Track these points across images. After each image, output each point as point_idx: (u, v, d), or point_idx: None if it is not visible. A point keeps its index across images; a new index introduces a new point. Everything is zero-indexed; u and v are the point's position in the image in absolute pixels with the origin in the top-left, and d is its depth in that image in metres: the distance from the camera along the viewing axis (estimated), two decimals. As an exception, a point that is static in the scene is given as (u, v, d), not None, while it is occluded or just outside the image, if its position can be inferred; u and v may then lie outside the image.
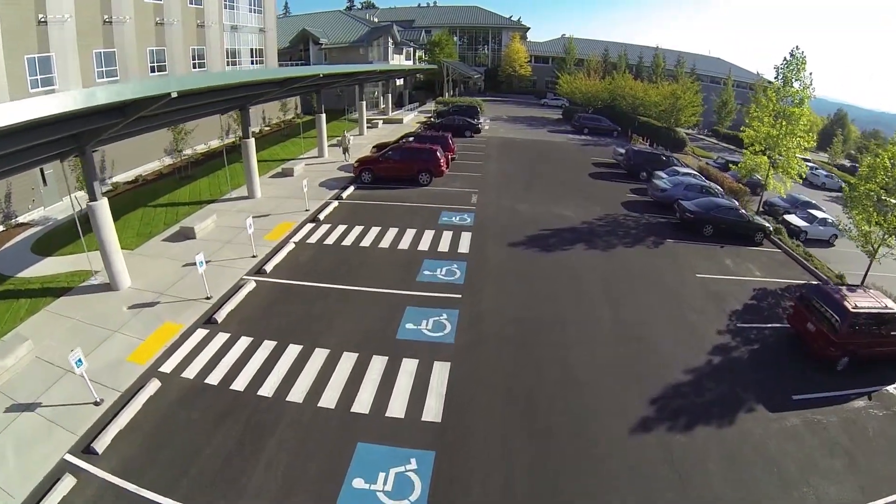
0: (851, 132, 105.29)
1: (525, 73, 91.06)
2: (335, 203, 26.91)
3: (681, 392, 13.86)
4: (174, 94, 14.73)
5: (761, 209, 33.43)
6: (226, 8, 45.39)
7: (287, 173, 32.55)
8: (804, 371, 15.80)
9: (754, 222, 26.44)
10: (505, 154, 41.51)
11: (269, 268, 19.50)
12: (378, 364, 13.97)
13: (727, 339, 16.82)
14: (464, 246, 22.02)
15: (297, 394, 12.86)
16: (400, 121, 56.05)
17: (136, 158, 33.11)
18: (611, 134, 56.43)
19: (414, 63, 77.95)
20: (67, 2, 27.71)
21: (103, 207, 17.13)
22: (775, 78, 32.42)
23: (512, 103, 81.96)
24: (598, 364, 14.79)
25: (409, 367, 13.88)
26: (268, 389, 12.98)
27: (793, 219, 31.15)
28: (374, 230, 23.25)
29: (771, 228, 26.89)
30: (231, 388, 13.06)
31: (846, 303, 16.10)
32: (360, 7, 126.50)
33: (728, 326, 17.65)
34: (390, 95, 58.96)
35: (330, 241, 22.15)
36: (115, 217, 22.52)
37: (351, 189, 29.39)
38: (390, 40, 64.01)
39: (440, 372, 13.77)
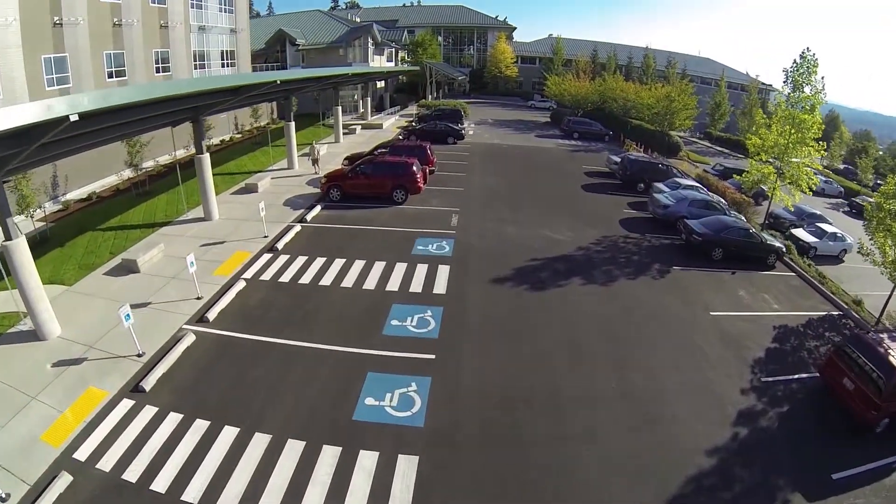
0: (843, 134, 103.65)
1: (511, 75, 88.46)
2: (297, 227, 23.86)
3: (704, 487, 11.16)
4: (73, 118, 11.78)
5: (766, 222, 31.19)
6: (192, 7, 42.26)
7: (251, 189, 29.61)
8: (839, 436, 13.40)
9: (767, 244, 23.95)
10: (490, 163, 38.69)
11: (212, 314, 16.57)
12: (329, 457, 11.05)
13: (752, 402, 14.15)
14: (440, 285, 18.91)
15: (228, 501, 10.10)
16: (380, 126, 53.19)
17: (93, 172, 30.10)
18: (602, 138, 53.92)
19: (396, 64, 75.09)
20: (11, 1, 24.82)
21: (20, 248, 14.22)
22: (784, 82, 30.07)
23: (498, 105, 79.39)
24: (606, 463, 11.68)
25: (366, 462, 10.98)
26: (194, 493, 10.19)
27: (801, 234, 28.81)
28: (338, 263, 20.24)
29: (784, 249, 24.49)
30: (151, 488, 10.25)
31: (892, 358, 13.57)
32: (343, 7, 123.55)
33: (751, 382, 15.00)
34: (370, 99, 56.00)
35: (286, 277, 19.17)
36: (60, 243, 21.39)
37: (317, 209, 26.38)
38: (370, 40, 61.10)
39: (405, 471, 10.86)
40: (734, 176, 33.12)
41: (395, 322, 16.20)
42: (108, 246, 21.83)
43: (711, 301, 19.62)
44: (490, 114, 68.55)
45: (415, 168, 27.48)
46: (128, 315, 13.79)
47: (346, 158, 33.53)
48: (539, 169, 38.47)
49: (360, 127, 51.33)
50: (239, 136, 47.81)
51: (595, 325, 17.12)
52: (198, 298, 17.50)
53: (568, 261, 21.90)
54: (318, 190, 29.04)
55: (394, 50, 74.33)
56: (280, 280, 18.94)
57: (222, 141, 44.97)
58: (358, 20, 66.32)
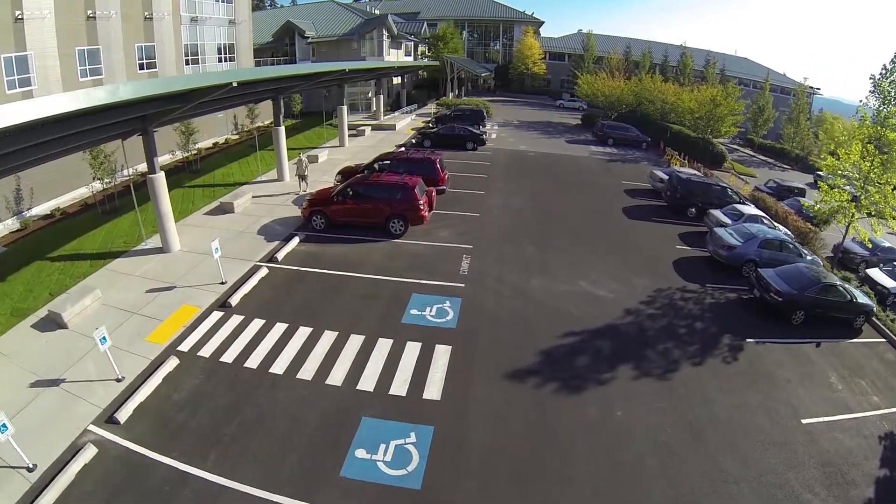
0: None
1: (539, 72, 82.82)
2: (264, 271, 18.90)
3: None
4: None
5: (836, 257, 26.02)
6: (183, -5, 37.99)
7: (226, 209, 25.00)
8: None
9: (857, 302, 18.59)
10: (514, 177, 33.28)
11: (125, 412, 11.95)
12: None
13: None
14: (434, 383, 13.28)
15: None
16: (392, 127, 48.26)
17: (62, 184, 26.34)
18: (639, 146, 48.26)
19: (415, 59, 70.04)
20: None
21: None
22: (871, 92, 24.72)
23: (524, 105, 73.91)
24: None
25: None
26: None
27: (878, 275, 23.44)
28: (302, 334, 15.15)
29: (873, 308, 19.17)
30: None
31: None
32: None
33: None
34: (382, 96, 51.02)
35: (231, 354, 14.26)
36: (2, 276, 18.29)
37: (294, 242, 21.37)
38: (385, 33, 56.06)
39: None
40: (803, 204, 27.75)
41: (361, 453, 10.96)
42: (51, 283, 17.94)
43: (801, 398, 14.30)
44: (516, 114, 63.16)
45: (417, 192, 22.01)
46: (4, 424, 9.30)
47: (339, 172, 28.44)
48: (571, 186, 32.97)
49: (369, 128, 46.51)
50: (236, 136, 43.36)
51: (651, 461, 11.65)
52: (118, 381, 13.01)
53: (613, 335, 16.29)
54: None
55: (412, 44, 69.18)
56: (222, 359, 14.02)
57: (215, 144, 40.62)
58: (377, 12, 61.29)
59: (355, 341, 14.74)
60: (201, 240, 21.35)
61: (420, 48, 74.36)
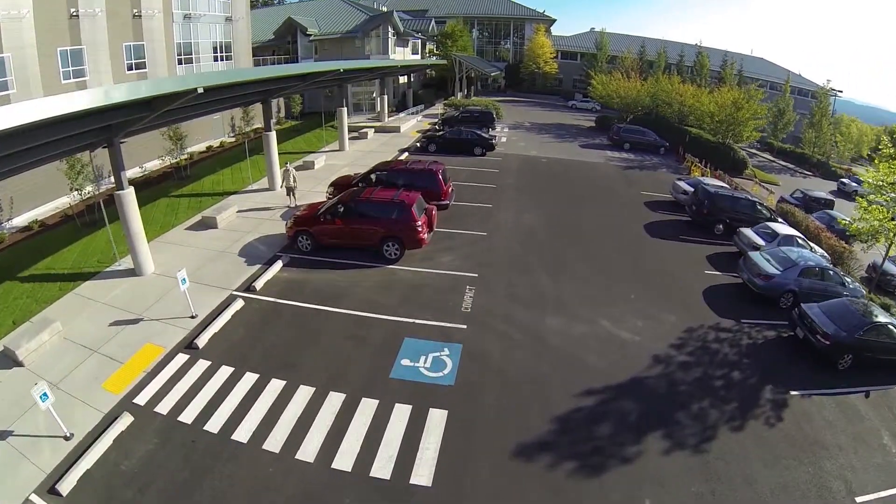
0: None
1: (550, 71, 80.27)
2: (239, 303, 16.72)
3: None
4: None
5: (872, 277, 23.79)
6: (175, -9, 35.93)
7: (208, 223, 22.90)
8: None
9: (908, 343, 16.25)
10: (525, 188, 30.75)
11: (66, 486, 10.10)
12: None
13: None
14: (426, 461, 10.88)
15: None
16: (396, 129, 46.00)
17: (46, 192, 24.64)
18: (657, 151, 45.67)
19: (422, 57, 67.70)
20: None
21: None
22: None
23: (535, 105, 71.50)
24: None
25: None
26: None
27: None
28: (274, 389, 12.91)
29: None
30: None
31: None
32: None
33: None
34: (387, 96, 48.70)
35: (190, 413, 12.10)
36: None
37: (276, 267, 19.09)
38: (391, 30, 53.73)
39: None
40: (839, 221, 25.25)
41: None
42: (16, 309, 16.20)
43: (854, 469, 11.97)
44: (527, 115, 60.74)
45: (415, 211, 19.41)
46: None
47: (332, 184, 26.01)
48: (587, 197, 30.43)
49: (372, 130, 44.31)
50: (233, 139, 41.24)
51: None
52: (66, 438, 11.17)
53: (639, 392, 13.74)
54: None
55: (420, 41, 66.82)
56: (181, 418, 11.90)
57: (209, 148, 38.58)
58: (384, 9, 58.98)
59: (334, 400, 12.48)
60: (178, 261, 19.34)
61: (428, 46, 72.03)
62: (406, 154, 37.15)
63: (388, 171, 24.69)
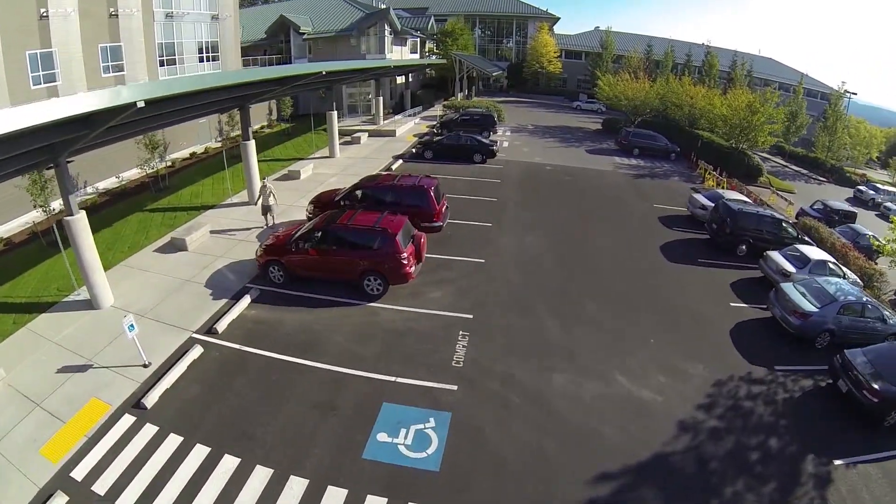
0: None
1: (554, 71, 77.71)
2: (198, 350, 14.37)
3: None
4: None
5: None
6: (156, -11, 33.75)
7: (178, 245, 20.67)
8: None
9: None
10: (529, 203, 28.20)
11: None
12: None
13: None
14: None
15: None
16: (392, 133, 43.63)
17: (10, 207, 22.64)
18: (668, 156, 43.29)
19: (421, 56, 65.35)
20: None
21: None
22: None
23: (539, 106, 69.04)
24: None
25: None
26: None
27: None
28: (226, 469, 10.59)
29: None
30: None
31: None
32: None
33: None
34: (382, 98, 46.26)
35: (129, 496, 9.96)
36: None
37: (245, 302, 16.71)
38: (387, 28, 51.37)
39: None
40: (873, 243, 23.01)
41: None
42: None
43: None
44: (530, 117, 58.29)
45: (400, 241, 16.66)
46: None
47: (312, 202, 23.37)
48: (597, 213, 27.88)
49: (366, 135, 41.98)
50: (220, 144, 38.95)
51: None
52: None
53: (664, 474, 11.26)
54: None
55: (419, 40, 64.43)
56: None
57: (193, 154, 36.35)
58: (383, 6, 56.59)
59: (295, 488, 10.12)
60: (140, 291, 17.36)
61: (427, 45, 69.67)
62: (400, 162, 34.80)
63: (375, 187, 22.15)
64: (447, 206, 22.76)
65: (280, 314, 16.22)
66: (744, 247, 23.33)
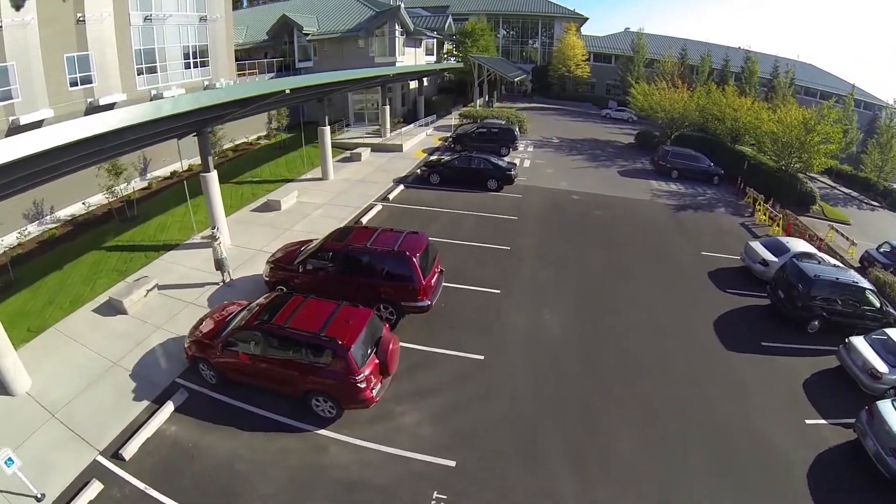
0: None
1: (582, 75, 72.53)
2: (97, 487, 10.50)
3: None
4: None
5: None
6: (130, -11, 29.81)
7: (115, 307, 16.86)
8: None
9: None
10: (549, 253, 22.95)
11: None
12: None
13: None
14: None
15: None
16: (398, 148, 39.13)
17: None
18: (710, 180, 38.05)
19: (438, 59, 60.76)
20: None
21: None
22: None
23: (565, 114, 64.00)
24: None
25: None
26: None
27: None
28: None
29: None
30: None
31: None
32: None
33: None
34: (388, 107, 41.45)
35: None
36: None
37: (168, 410, 12.60)
38: (398, 28, 46.74)
39: None
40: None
41: None
42: None
43: None
44: (555, 128, 53.22)
45: (355, 359, 11.92)
46: None
47: (270, 261, 18.29)
48: (633, 268, 22.39)
49: (369, 149, 37.57)
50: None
51: None
52: None
53: None
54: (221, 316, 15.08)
55: (434, 41, 59.74)
56: None
57: (174, 174, 32.40)
58: (396, 3, 51.99)
59: None
60: (62, 374, 13.87)
61: (446, 46, 65.03)
62: (400, 188, 30.07)
63: (345, 250, 16.76)
64: (441, 272, 17.74)
65: (203, 435, 12.04)
66: (816, 322, 18.41)
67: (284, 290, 16.70)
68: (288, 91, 20.10)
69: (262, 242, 21.70)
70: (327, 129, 30.31)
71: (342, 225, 23.08)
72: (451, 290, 18.60)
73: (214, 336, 13.35)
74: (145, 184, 30.42)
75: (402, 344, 14.45)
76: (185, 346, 13.91)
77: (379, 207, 26.84)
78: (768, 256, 21.73)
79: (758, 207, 31.82)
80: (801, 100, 63.96)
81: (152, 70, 32.18)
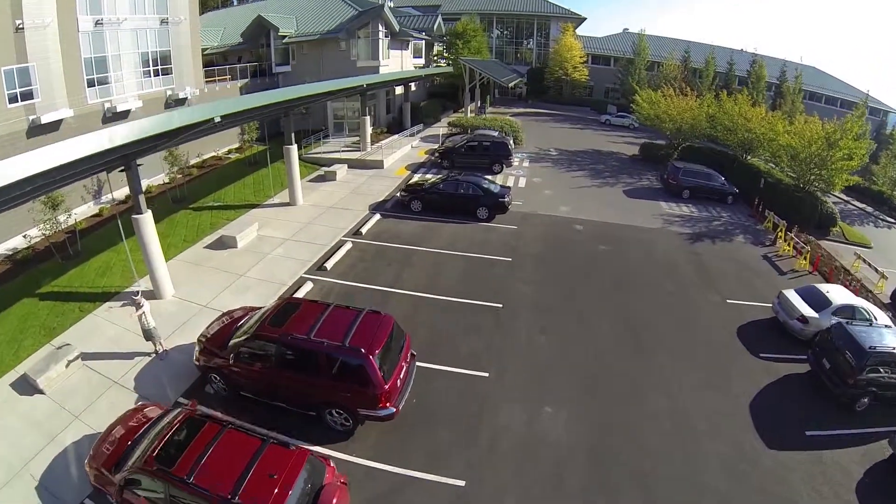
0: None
1: (580, 78, 69.16)
2: None
3: None
4: None
5: None
6: (78, -9, 26.30)
7: (32, 385, 13.84)
8: None
9: None
10: (548, 310, 19.10)
11: None
12: None
13: None
14: None
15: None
16: (379, 164, 35.59)
17: None
18: (724, 199, 34.75)
19: (427, 63, 57.29)
20: None
21: None
22: None
23: (563, 120, 60.71)
24: None
25: None
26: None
27: None
28: None
29: None
30: None
31: None
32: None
33: None
34: (368, 118, 37.65)
35: None
36: None
37: None
38: (382, 28, 43.13)
39: None
40: None
41: None
42: None
43: None
44: (553, 137, 49.77)
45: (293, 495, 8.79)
46: None
47: (200, 339, 14.43)
48: (649, 328, 18.57)
49: (345, 167, 34.03)
50: (167, 179, 31.45)
51: None
52: None
53: None
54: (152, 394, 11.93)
55: (423, 42, 56.20)
56: None
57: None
58: (391, 4, 48.43)
59: None
60: None
61: (436, 48, 61.52)
62: (377, 217, 26.36)
63: (283, 338, 12.68)
64: (412, 357, 13.99)
65: None
66: (866, 400, 15.23)
67: (217, 378, 13.28)
68: (218, 119, 16.68)
69: (208, 296, 18.29)
70: (293, 148, 26.72)
71: (292, 282, 19.72)
72: (427, 374, 14.88)
73: (112, 468, 9.87)
74: (97, 209, 27.01)
75: (360, 461, 11.09)
76: (86, 463, 10.51)
77: (349, 246, 23.14)
78: (808, 312, 18.40)
79: (779, 234, 28.57)
80: (805, 104, 61.17)
81: (105, 81, 28.65)
